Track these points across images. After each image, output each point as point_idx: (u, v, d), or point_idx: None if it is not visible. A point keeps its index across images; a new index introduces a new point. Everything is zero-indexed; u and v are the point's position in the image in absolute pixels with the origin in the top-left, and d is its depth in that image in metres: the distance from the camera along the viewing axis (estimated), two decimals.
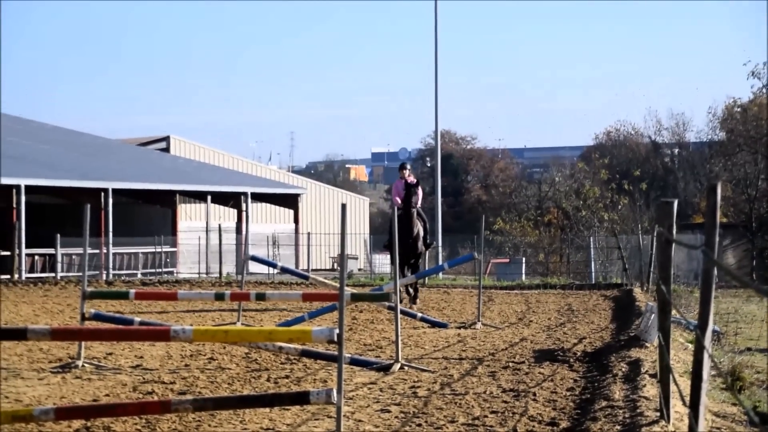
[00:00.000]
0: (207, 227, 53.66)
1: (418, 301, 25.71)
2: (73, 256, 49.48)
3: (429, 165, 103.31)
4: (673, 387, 10.08)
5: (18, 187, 48.57)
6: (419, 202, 26.19)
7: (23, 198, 48.66)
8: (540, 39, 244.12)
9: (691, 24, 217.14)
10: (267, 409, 11.41)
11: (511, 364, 15.54)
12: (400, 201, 25.65)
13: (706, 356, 6.71)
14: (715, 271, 6.85)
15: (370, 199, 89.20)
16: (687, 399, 7.66)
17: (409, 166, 27.21)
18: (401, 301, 20.82)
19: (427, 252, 28.42)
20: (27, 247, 48.78)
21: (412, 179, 26.18)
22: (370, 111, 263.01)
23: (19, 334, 11.24)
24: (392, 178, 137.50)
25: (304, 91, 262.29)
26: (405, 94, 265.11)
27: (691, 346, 16.34)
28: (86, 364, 14.97)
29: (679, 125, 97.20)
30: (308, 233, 57.55)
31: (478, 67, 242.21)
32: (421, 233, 25.99)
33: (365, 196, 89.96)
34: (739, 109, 76.48)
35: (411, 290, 25.66)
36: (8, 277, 44.33)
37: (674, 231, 9.99)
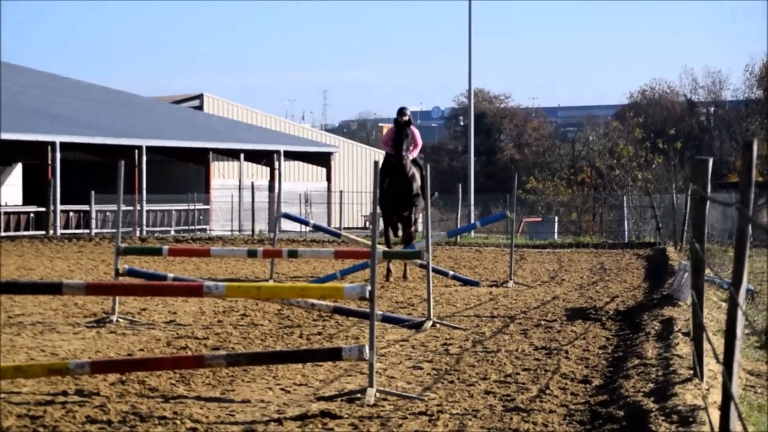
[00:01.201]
0: (240, 185, 53.84)
1: (409, 278, 22.00)
2: (108, 213, 49.67)
3: (462, 124, 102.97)
4: (706, 345, 10.05)
5: (53, 143, 48.79)
6: (416, 150, 22.47)
7: (58, 155, 48.88)
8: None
9: None
10: (299, 365, 11.45)
11: (543, 322, 15.56)
12: (394, 139, 22.17)
13: (740, 314, 6.67)
14: (750, 230, 6.81)
15: None
16: (720, 357, 7.63)
17: (409, 112, 22.79)
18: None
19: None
20: (62, 203, 49.12)
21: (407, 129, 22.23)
22: (404, 70, 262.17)
23: (54, 289, 11.31)
24: (424, 136, 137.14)
25: (337, 49, 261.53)
26: (438, 52, 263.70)
27: (724, 305, 16.31)
28: (120, 319, 15.05)
29: (716, 83, 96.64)
30: (341, 191, 57.73)
31: (512, 24, 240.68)
32: (417, 182, 21.92)
33: None
34: None
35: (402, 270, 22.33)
36: (44, 232, 44.74)
37: (709, 189, 9.94)
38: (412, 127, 22.50)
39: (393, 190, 21.70)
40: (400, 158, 21.74)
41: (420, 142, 22.69)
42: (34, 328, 14.58)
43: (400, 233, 22.49)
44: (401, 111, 22.44)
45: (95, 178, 50.74)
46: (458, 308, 17.39)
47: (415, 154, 22.31)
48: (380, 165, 19.23)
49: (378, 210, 13.68)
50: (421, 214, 22.04)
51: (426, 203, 17.25)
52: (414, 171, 21.95)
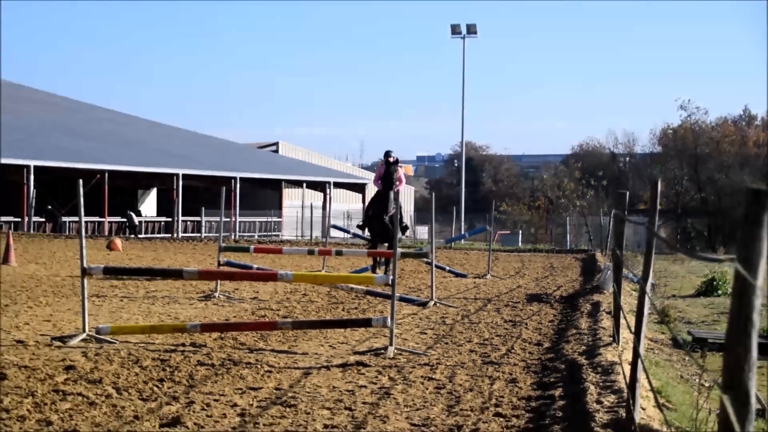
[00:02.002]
0: (302, 205, 53.91)
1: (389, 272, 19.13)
2: (212, 222, 49.95)
3: (456, 165, 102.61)
4: (622, 321, 10.06)
5: (177, 174, 49.19)
6: (401, 185, 19.86)
7: (180, 182, 49.17)
8: (528, 79, 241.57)
9: (638, 67, 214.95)
10: (342, 330, 11.47)
11: (510, 303, 15.53)
12: (381, 184, 19.61)
13: (646, 299, 6.68)
14: (654, 241, 6.81)
15: (414, 188, 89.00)
16: (632, 328, 7.63)
17: (393, 155, 19.68)
18: (377, 270, 19.16)
19: (407, 232, 20.43)
20: (182, 215, 49.44)
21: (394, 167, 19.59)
22: (416, 125, 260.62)
23: (177, 274, 11.40)
24: (431, 173, 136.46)
25: (371, 112, 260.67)
26: (441, 114, 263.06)
27: (635, 293, 16.27)
28: (220, 295, 15.10)
29: (630, 141, 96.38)
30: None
31: (494, 95, 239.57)
32: (397, 217, 20.20)
33: (411, 186, 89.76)
34: (671, 131, 76.07)
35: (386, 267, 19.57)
36: (170, 235, 44.99)
37: (625, 213, 9.96)
38: (398, 168, 19.66)
39: (378, 226, 19.55)
40: (386, 201, 19.35)
41: (404, 180, 19.99)
42: (164, 300, 14.66)
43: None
44: (387, 153, 19.59)
45: (204, 198, 50.98)
46: (452, 292, 17.37)
47: (400, 188, 19.71)
48: (371, 197, 18.01)
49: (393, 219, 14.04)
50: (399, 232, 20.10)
51: (431, 221, 17.23)
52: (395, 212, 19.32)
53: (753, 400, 2.91)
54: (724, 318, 16.10)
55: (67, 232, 42.89)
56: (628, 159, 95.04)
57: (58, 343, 10.01)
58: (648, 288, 6.70)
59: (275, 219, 57.45)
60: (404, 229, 19.92)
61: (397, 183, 19.32)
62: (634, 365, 6.65)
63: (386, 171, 19.30)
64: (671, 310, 16.93)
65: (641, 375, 6.67)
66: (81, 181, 10.91)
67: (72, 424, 6.65)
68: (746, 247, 2.96)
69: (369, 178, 70.26)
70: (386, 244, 19.31)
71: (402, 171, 19.88)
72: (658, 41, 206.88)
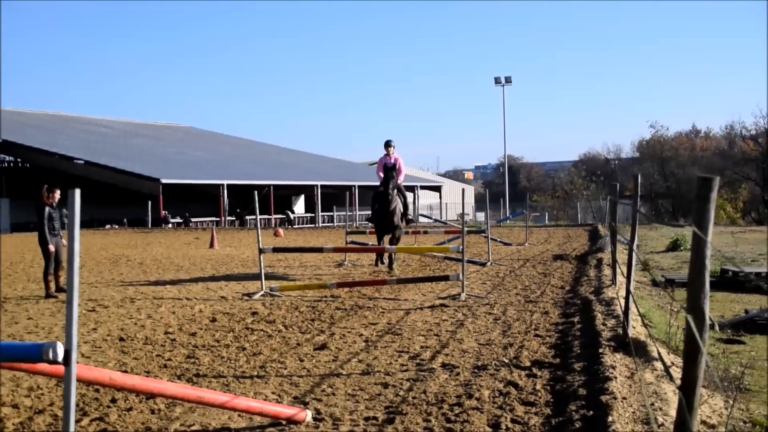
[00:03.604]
0: None
1: (394, 267, 13.66)
2: (341, 215, 50.36)
3: (501, 171, 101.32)
4: (617, 270, 9.87)
5: (316, 186, 49.62)
6: (399, 180, 13.62)
7: (318, 191, 49.67)
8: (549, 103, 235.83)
9: (621, 90, 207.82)
10: (430, 283, 11.49)
11: (542, 261, 15.33)
12: (383, 176, 13.55)
13: (634, 255, 6.56)
14: (637, 216, 6.67)
15: (473, 187, 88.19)
16: (624, 274, 7.48)
17: (393, 145, 13.62)
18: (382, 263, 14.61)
19: (409, 224, 14.46)
20: (321, 211, 49.92)
21: (394, 157, 13.50)
22: (474, 144, 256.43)
23: (319, 250, 11.55)
24: (485, 177, 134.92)
25: (443, 135, 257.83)
26: (489, 135, 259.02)
27: (625, 251, 15.89)
28: (348, 263, 15.26)
29: (618, 149, 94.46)
30: (446, 203, 57.40)
31: (526, 120, 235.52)
32: (399, 209, 13.56)
33: (471, 185, 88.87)
34: (644, 142, 74.47)
35: (387, 260, 14.48)
36: (313, 225, 45.51)
37: (617, 198, 9.77)
38: (397, 157, 13.66)
39: (380, 215, 13.70)
40: (387, 194, 13.39)
41: (403, 170, 13.80)
42: (311, 267, 14.85)
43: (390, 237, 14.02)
44: (387, 143, 13.64)
45: (335, 199, 51.59)
46: (502, 256, 17.19)
47: (400, 179, 13.71)
48: (375, 192, 13.66)
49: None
50: (404, 223, 13.87)
51: (486, 209, 17.06)
52: (397, 201, 13.59)
53: (707, 317, 2.86)
54: (686, 265, 15.52)
55: (248, 226, 43.90)
56: (617, 162, 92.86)
57: (246, 298, 10.29)
58: (634, 247, 6.57)
59: None
60: (409, 221, 13.99)
61: (396, 175, 13.56)
62: (626, 299, 6.54)
63: (386, 175, 13.48)
64: (650, 261, 16.49)
65: (632, 305, 6.55)
66: (255, 192, 11.23)
67: (258, 349, 6.87)
68: (699, 216, 2.92)
69: (443, 182, 69.98)
70: (389, 236, 14.00)
71: (401, 162, 13.74)
72: (638, 89, 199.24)
